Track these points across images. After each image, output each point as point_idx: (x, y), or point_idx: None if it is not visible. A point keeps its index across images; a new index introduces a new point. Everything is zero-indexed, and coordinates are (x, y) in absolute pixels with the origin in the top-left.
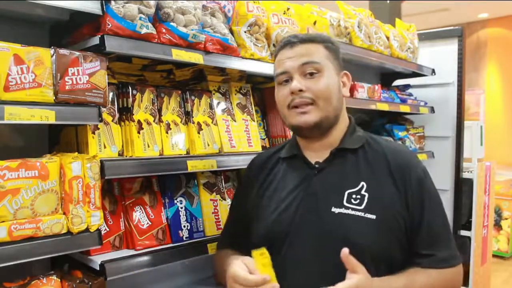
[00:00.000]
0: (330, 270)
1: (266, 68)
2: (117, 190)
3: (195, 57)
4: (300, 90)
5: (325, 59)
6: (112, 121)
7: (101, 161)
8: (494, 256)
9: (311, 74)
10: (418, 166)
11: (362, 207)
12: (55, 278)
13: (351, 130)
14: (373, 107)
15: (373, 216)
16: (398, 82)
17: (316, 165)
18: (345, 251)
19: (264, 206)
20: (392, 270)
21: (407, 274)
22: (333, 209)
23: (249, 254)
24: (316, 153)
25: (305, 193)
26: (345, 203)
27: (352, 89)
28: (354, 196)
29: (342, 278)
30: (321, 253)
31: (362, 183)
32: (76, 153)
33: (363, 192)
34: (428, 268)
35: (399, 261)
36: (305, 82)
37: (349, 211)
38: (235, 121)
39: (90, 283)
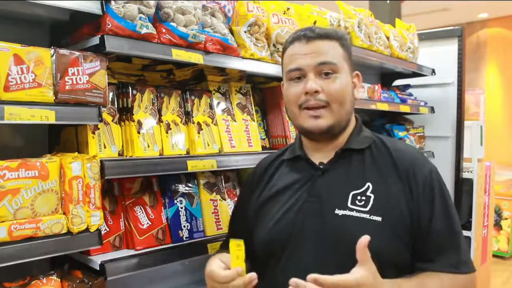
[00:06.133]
0: (332, 273)
1: (266, 68)
2: (117, 190)
3: (195, 57)
4: (316, 91)
5: (341, 58)
6: (112, 121)
7: (101, 161)
8: (494, 256)
9: (327, 74)
10: (425, 165)
11: (367, 208)
12: (55, 278)
13: (358, 131)
14: (373, 107)
15: (379, 218)
16: (398, 82)
17: (320, 166)
18: (365, 239)
19: (267, 210)
20: (400, 277)
21: (417, 277)
22: (337, 211)
23: (249, 261)
24: (321, 154)
25: (308, 195)
26: (349, 205)
27: None
28: (359, 197)
29: None
30: (323, 256)
31: (368, 184)
32: (76, 153)
33: (368, 193)
34: (439, 272)
35: (407, 267)
36: (321, 82)
37: (353, 213)
38: (235, 121)
39: (90, 283)
